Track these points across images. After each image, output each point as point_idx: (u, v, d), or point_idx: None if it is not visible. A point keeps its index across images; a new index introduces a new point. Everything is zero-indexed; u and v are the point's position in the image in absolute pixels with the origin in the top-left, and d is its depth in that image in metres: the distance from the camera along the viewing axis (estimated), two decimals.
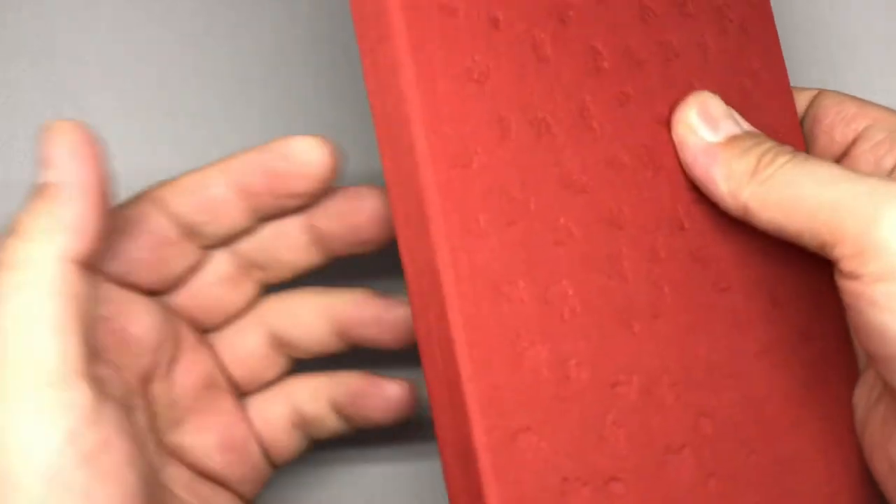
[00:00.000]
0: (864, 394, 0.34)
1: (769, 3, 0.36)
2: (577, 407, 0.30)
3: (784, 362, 0.34)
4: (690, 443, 0.31)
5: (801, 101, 0.36)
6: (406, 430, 0.41)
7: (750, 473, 0.32)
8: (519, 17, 0.30)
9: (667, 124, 0.33)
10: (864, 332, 0.29)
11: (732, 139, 0.33)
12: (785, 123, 0.35)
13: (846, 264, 0.29)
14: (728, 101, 0.34)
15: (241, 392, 0.37)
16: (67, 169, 0.30)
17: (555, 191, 0.30)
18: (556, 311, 0.30)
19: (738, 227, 0.34)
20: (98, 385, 0.30)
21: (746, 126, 0.33)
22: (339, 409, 0.36)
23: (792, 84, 0.42)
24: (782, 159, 0.31)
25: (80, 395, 0.29)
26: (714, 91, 0.34)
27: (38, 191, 0.30)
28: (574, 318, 0.30)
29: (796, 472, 0.33)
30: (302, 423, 0.37)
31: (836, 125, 0.35)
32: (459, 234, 0.29)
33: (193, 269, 0.35)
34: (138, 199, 0.34)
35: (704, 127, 0.33)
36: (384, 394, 0.36)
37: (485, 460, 0.28)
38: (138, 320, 0.33)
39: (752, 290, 0.34)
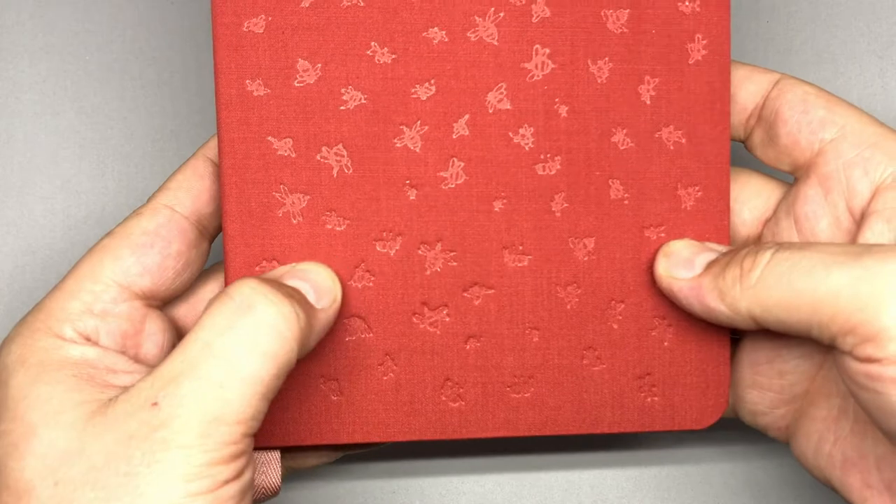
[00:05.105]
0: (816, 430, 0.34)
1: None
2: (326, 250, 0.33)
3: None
4: (453, 305, 0.34)
5: (761, 87, 0.35)
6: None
7: (517, 339, 0.34)
8: None
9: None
10: (886, 411, 0.29)
11: (710, 264, 0.32)
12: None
13: (860, 350, 0.29)
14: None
15: None
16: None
17: (352, 61, 0.33)
18: (325, 169, 0.33)
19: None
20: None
21: (724, 248, 0.33)
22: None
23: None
24: (764, 257, 0.31)
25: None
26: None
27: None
28: (344, 177, 0.33)
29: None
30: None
31: (802, 129, 0.34)
32: (238, 96, 0.32)
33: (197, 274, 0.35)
34: (152, 211, 0.33)
35: (681, 269, 0.33)
36: None
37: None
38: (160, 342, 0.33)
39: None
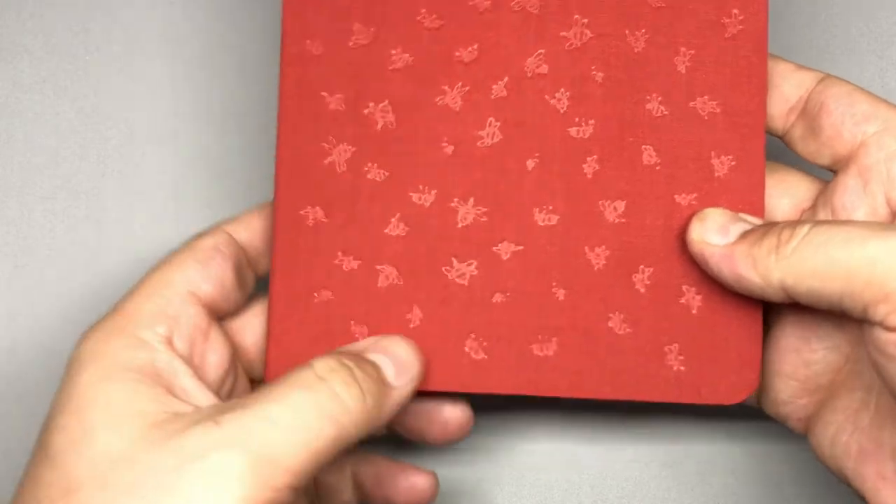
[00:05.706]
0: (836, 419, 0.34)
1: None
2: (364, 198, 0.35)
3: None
4: (482, 259, 0.35)
5: (805, 82, 0.35)
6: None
7: (543, 297, 0.35)
8: None
9: None
10: None
11: (745, 234, 0.33)
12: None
13: (892, 319, 0.29)
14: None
15: None
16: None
17: (402, 25, 0.35)
18: (371, 123, 0.35)
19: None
20: None
21: (759, 221, 0.33)
22: (359, 486, 0.37)
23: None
24: (803, 229, 0.31)
25: None
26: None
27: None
28: (387, 131, 0.35)
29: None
30: (316, 490, 0.36)
31: (846, 121, 0.34)
32: (298, 54, 0.34)
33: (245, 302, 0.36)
34: (213, 233, 0.35)
35: (714, 235, 0.33)
36: (413, 484, 0.36)
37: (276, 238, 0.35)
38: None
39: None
